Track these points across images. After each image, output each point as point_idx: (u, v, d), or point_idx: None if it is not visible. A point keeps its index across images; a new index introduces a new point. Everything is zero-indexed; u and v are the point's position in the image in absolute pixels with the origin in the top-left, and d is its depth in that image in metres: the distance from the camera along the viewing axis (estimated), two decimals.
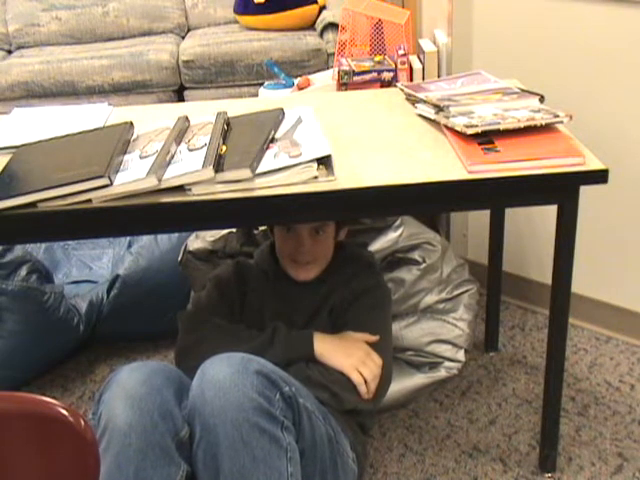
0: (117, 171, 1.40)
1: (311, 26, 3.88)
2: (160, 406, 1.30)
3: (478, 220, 2.36)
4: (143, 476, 1.26)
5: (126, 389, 1.31)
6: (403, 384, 1.93)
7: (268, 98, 2.44)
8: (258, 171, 1.40)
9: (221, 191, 1.39)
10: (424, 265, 1.97)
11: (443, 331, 1.96)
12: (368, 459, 1.79)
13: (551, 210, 1.50)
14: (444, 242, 2.09)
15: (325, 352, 1.54)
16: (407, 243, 1.98)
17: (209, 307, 1.68)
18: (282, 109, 1.62)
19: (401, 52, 2.26)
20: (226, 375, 1.26)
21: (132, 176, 1.37)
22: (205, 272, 2.05)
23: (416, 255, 1.98)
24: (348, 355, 1.53)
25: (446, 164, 1.46)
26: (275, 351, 1.52)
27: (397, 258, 1.98)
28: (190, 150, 1.45)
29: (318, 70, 3.33)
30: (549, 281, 1.58)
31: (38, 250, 2.43)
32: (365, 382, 1.52)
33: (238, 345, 1.49)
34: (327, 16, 3.73)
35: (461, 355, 1.98)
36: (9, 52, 4.06)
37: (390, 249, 1.97)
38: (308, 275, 1.65)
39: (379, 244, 1.96)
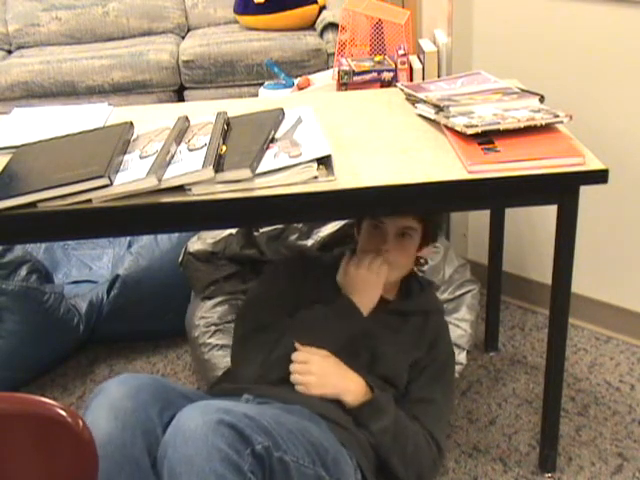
0: (117, 171, 1.40)
1: (311, 26, 3.88)
2: (143, 423, 1.30)
3: (478, 220, 2.36)
4: None
5: (112, 400, 1.31)
6: None
7: (268, 98, 2.43)
8: (258, 171, 1.40)
9: (221, 191, 1.39)
10: (427, 266, 1.96)
11: None
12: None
13: (551, 210, 1.50)
14: (445, 243, 2.09)
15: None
16: None
17: (261, 298, 1.70)
18: (282, 109, 1.62)
19: (401, 52, 2.26)
20: (198, 424, 1.23)
21: (132, 176, 1.37)
22: (205, 273, 2.05)
23: None
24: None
25: (446, 164, 1.46)
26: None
27: None
28: (190, 150, 1.45)
29: (318, 70, 3.33)
30: (549, 281, 1.58)
31: (38, 250, 2.43)
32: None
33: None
34: (327, 16, 3.73)
35: (462, 357, 1.98)
36: (9, 52, 4.06)
37: None
38: None
39: None
